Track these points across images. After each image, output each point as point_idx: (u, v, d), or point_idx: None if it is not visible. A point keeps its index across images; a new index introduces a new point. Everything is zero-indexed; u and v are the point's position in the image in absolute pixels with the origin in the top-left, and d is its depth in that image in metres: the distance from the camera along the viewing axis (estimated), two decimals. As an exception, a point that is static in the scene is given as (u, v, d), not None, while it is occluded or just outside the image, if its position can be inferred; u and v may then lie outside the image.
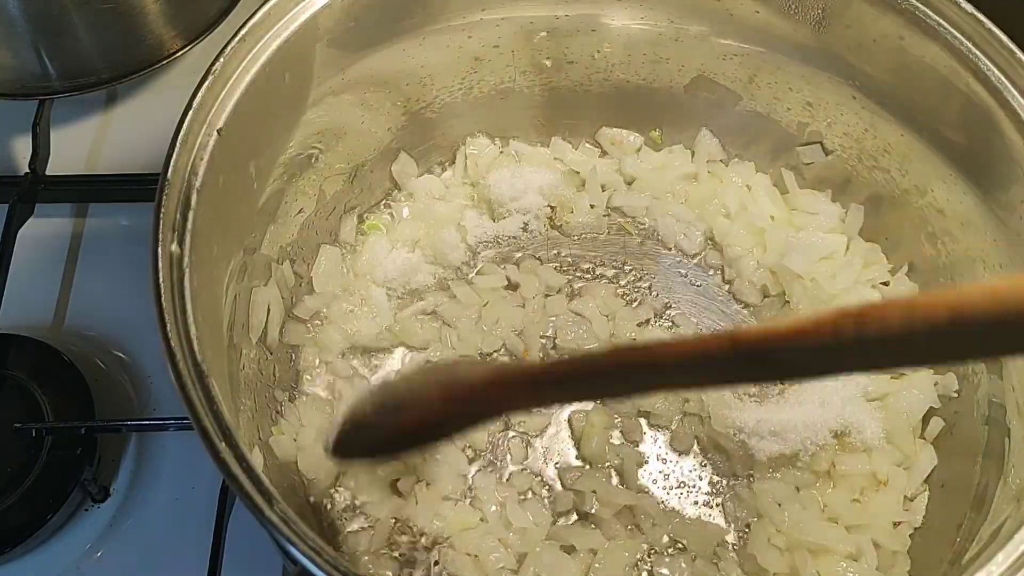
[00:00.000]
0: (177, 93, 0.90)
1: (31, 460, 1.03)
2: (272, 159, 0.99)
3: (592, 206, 1.19)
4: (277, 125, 0.99)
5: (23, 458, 1.03)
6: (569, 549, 0.98)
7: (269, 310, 1.02)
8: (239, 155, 0.92)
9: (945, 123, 0.99)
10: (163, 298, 0.79)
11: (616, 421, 1.06)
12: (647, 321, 1.12)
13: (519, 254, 1.17)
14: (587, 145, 1.23)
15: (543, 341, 1.10)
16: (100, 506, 1.07)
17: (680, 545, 0.99)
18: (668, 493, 1.02)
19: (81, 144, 1.32)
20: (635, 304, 1.13)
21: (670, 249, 1.17)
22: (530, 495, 1.02)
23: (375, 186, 1.17)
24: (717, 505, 1.02)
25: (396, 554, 0.98)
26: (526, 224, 1.18)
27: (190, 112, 0.87)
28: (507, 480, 1.03)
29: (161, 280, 0.79)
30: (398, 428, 0.80)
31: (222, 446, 0.73)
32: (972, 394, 1.00)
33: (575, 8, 1.09)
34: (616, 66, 1.15)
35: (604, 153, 1.22)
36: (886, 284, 1.12)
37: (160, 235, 0.81)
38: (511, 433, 1.05)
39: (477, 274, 1.15)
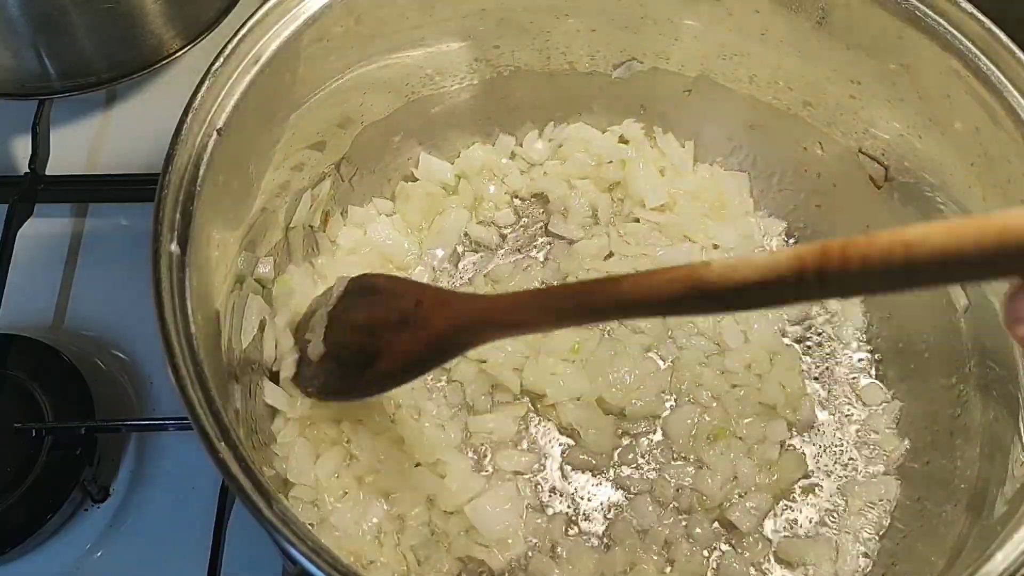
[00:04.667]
0: (177, 93, 0.90)
1: (31, 460, 1.03)
2: (272, 159, 0.99)
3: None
4: (277, 125, 0.98)
5: (23, 458, 1.03)
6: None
7: (264, 322, 1.01)
8: (239, 155, 0.92)
9: (945, 123, 0.99)
10: (163, 298, 0.79)
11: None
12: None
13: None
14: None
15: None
16: (100, 506, 1.07)
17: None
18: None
19: (81, 144, 1.32)
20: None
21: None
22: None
23: (374, 187, 1.17)
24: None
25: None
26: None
27: (190, 112, 0.87)
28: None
29: (161, 280, 0.79)
30: (396, 353, 0.85)
31: (221, 446, 0.73)
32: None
33: (578, 5, 1.09)
34: (614, 67, 1.15)
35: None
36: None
37: (160, 235, 0.81)
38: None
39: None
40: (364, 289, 0.94)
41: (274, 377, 1.01)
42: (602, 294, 0.74)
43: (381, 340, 0.88)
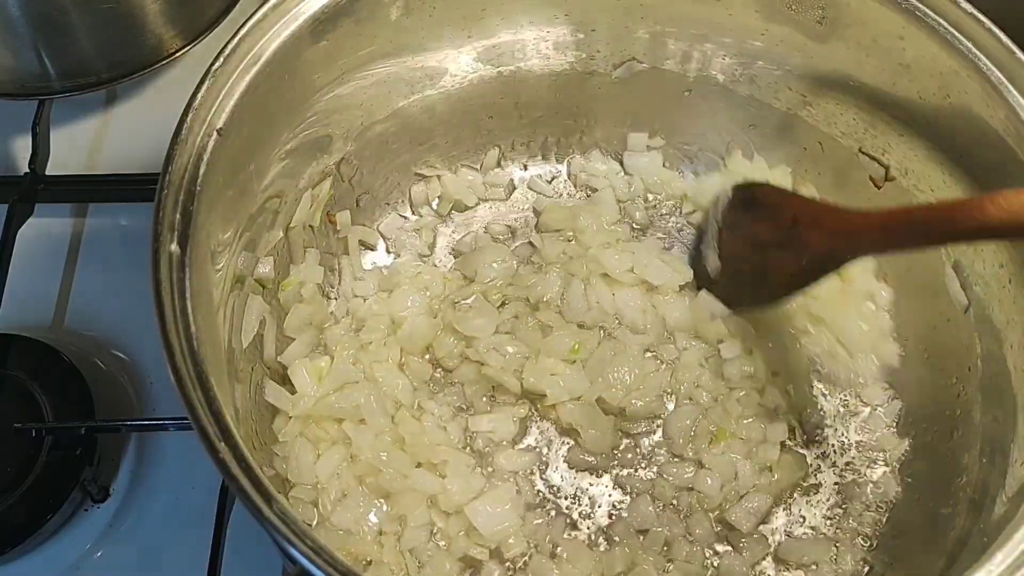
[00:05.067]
0: (177, 93, 0.90)
1: (31, 460, 1.03)
2: (272, 159, 0.99)
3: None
4: (277, 125, 0.99)
5: (23, 458, 1.03)
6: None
7: (264, 322, 1.02)
8: (239, 155, 0.92)
9: (945, 123, 0.99)
10: (163, 298, 0.79)
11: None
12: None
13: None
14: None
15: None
16: (100, 506, 1.07)
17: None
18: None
19: (81, 144, 1.32)
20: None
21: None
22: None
23: (375, 187, 1.17)
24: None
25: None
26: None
27: (190, 112, 0.87)
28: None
29: (161, 280, 0.79)
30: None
31: (221, 446, 0.73)
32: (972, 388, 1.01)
33: (577, 5, 1.09)
34: (614, 67, 1.16)
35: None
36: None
37: (160, 235, 0.82)
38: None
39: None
40: (747, 202, 1.05)
41: (275, 376, 1.01)
42: (968, 216, 0.79)
43: (768, 258, 0.99)
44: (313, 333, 1.07)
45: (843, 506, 1.04)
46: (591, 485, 1.04)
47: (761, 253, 1.01)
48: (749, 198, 1.05)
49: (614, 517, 1.02)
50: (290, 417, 1.00)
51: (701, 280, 1.11)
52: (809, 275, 0.97)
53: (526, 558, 0.99)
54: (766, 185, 1.09)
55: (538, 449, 1.06)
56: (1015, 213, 0.76)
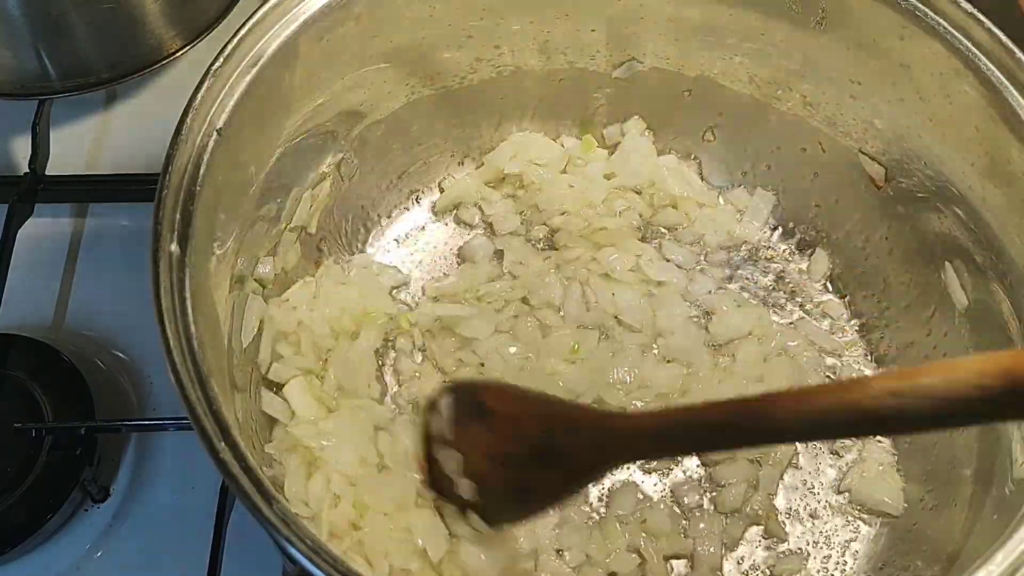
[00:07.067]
0: (177, 93, 0.90)
1: (31, 460, 1.03)
2: (272, 159, 0.99)
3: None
4: (277, 125, 0.99)
5: (23, 458, 1.03)
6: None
7: (263, 325, 1.01)
8: (239, 155, 0.92)
9: (945, 124, 0.99)
10: (163, 298, 0.79)
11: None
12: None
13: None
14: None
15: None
16: (100, 506, 1.07)
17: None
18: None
19: (81, 144, 1.32)
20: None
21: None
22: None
23: (375, 188, 1.17)
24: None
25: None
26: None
27: (190, 112, 0.87)
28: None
29: (161, 280, 0.79)
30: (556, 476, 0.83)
31: (221, 446, 0.73)
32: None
33: (578, 5, 1.09)
34: (614, 67, 1.16)
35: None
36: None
37: (160, 235, 0.81)
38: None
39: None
40: (474, 407, 0.88)
41: (271, 386, 1.01)
42: (752, 417, 0.71)
43: (524, 474, 0.85)
44: (310, 336, 1.07)
45: (841, 506, 1.04)
46: (589, 486, 1.04)
47: (516, 470, 0.85)
48: (477, 406, 0.88)
49: (615, 518, 1.02)
50: (286, 427, 0.99)
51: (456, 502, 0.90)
52: (577, 487, 0.87)
53: (527, 559, 0.99)
54: (487, 386, 0.95)
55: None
56: (805, 413, 0.67)
